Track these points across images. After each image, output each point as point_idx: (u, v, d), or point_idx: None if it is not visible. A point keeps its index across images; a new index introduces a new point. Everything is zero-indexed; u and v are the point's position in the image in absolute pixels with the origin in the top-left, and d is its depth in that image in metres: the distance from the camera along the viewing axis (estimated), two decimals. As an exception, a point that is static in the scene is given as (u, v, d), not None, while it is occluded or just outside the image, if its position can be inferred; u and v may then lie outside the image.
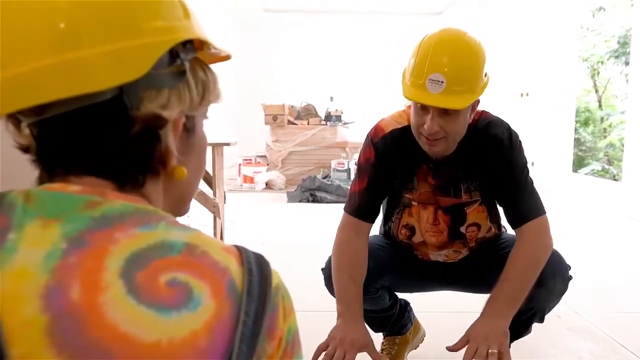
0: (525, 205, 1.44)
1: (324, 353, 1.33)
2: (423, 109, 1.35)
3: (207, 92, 0.56)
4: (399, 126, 1.49)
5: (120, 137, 0.50)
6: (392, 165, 1.50)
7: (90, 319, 0.42)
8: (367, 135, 1.54)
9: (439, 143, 1.38)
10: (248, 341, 0.46)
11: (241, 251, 0.51)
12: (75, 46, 0.46)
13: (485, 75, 1.37)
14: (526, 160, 1.48)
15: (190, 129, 0.56)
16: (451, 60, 1.30)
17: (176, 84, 0.52)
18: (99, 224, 0.47)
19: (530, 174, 1.48)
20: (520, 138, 1.48)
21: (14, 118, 0.51)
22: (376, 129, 1.53)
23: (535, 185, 1.48)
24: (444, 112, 1.33)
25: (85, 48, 0.46)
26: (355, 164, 1.58)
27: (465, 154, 1.46)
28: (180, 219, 0.54)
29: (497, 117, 1.49)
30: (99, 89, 0.47)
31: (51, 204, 0.48)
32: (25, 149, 0.53)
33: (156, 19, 0.50)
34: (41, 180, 0.52)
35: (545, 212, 1.46)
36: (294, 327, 0.52)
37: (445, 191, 1.51)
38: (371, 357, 1.37)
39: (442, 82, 1.28)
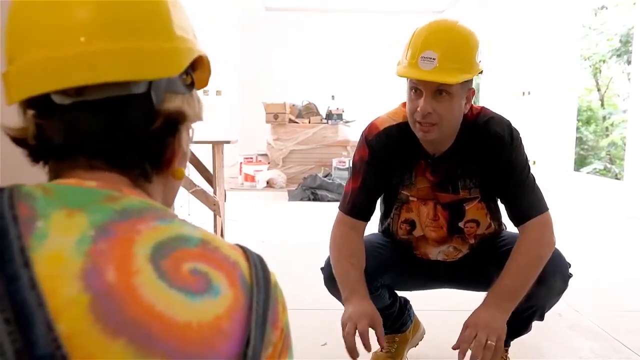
0: (527, 203, 1.44)
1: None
2: (416, 93, 1.36)
3: (200, 108, 0.62)
4: (395, 123, 1.49)
5: (143, 129, 0.54)
6: (388, 162, 1.50)
7: (128, 298, 0.45)
8: (362, 133, 1.55)
9: (432, 129, 1.37)
10: (260, 328, 0.51)
11: (245, 250, 0.56)
12: (124, 37, 0.51)
13: (480, 63, 1.37)
14: (527, 158, 1.48)
15: (191, 137, 0.62)
16: (443, 39, 1.34)
17: (186, 93, 0.58)
18: (121, 216, 0.50)
19: (532, 172, 1.48)
20: (521, 135, 1.48)
21: (33, 104, 0.53)
22: (371, 127, 1.53)
23: (537, 182, 1.48)
24: (438, 93, 1.34)
25: (132, 40, 0.52)
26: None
27: (464, 150, 1.45)
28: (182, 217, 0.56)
29: (497, 113, 1.48)
30: (142, 78, 0.52)
31: (72, 196, 0.51)
32: (20, 142, 0.55)
33: (185, 30, 0.57)
34: (51, 173, 0.55)
35: (548, 209, 1.45)
36: (288, 321, 0.57)
37: (444, 187, 1.51)
38: (376, 333, 1.33)
39: (433, 58, 1.30)
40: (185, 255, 0.49)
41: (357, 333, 1.31)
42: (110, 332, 0.44)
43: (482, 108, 1.49)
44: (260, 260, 0.56)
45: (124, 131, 0.53)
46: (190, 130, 0.62)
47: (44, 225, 0.47)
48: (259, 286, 0.52)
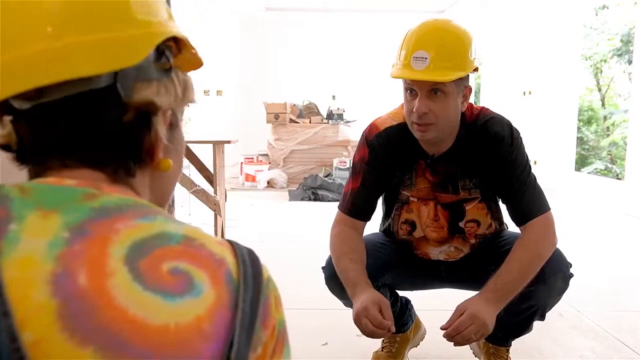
0: (529, 203, 1.44)
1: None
2: (411, 93, 1.36)
3: (187, 90, 0.59)
4: (395, 123, 1.49)
5: (114, 124, 0.51)
6: (388, 162, 1.50)
7: (99, 302, 0.43)
8: (362, 133, 1.55)
9: (429, 129, 1.37)
10: (247, 328, 0.48)
11: (233, 244, 0.53)
12: (76, 31, 0.48)
13: (474, 59, 1.37)
14: (528, 157, 1.47)
15: (174, 124, 0.59)
16: (435, 38, 1.35)
17: (162, 79, 0.55)
18: (99, 214, 0.48)
19: (533, 171, 1.48)
20: (522, 135, 1.47)
21: (3, 109, 0.52)
22: (371, 127, 1.53)
23: (538, 181, 1.48)
24: (432, 93, 1.34)
25: (85, 34, 0.49)
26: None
27: (464, 151, 1.45)
28: (181, 218, 0.54)
29: (497, 113, 1.48)
30: (98, 72, 0.49)
31: (49, 196, 0.49)
32: (5, 147, 0.53)
33: (149, 14, 0.53)
34: (31, 176, 0.53)
35: (549, 209, 1.45)
36: (283, 318, 0.54)
37: (444, 188, 1.51)
38: (384, 316, 1.33)
39: (425, 58, 1.31)
40: (166, 254, 0.47)
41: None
42: (78, 340, 0.42)
43: (482, 108, 1.48)
44: (251, 255, 0.53)
45: (91, 129, 0.51)
46: (181, 115, 0.60)
47: (17, 227, 0.46)
48: (246, 283, 0.50)
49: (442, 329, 1.35)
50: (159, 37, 0.53)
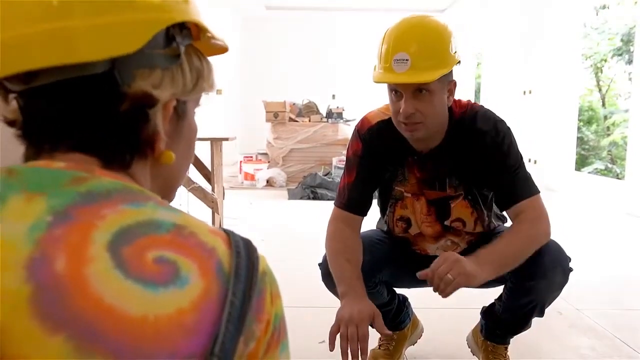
0: (516, 186, 1.41)
1: (339, 335, 1.30)
2: (397, 95, 1.36)
3: (200, 79, 0.56)
4: (386, 117, 1.49)
5: (108, 113, 0.50)
6: (381, 155, 1.50)
7: (74, 290, 0.41)
8: (354, 128, 1.55)
9: (418, 128, 1.36)
10: (235, 322, 0.46)
11: (229, 234, 0.51)
12: (68, 15, 0.46)
13: (455, 53, 1.36)
14: (517, 149, 1.44)
15: (181, 114, 0.56)
16: (414, 38, 1.33)
17: (170, 66, 0.52)
18: (85, 199, 0.46)
19: (524, 165, 1.45)
20: (514, 131, 1.45)
21: (2, 88, 0.51)
22: (363, 121, 1.53)
23: (529, 172, 1.45)
24: (418, 92, 1.33)
25: (78, 17, 0.46)
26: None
27: (452, 147, 1.44)
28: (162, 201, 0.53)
29: (485, 108, 1.46)
30: (89, 60, 0.47)
31: (35, 178, 0.47)
32: (11, 123, 0.52)
33: None
34: (27, 157, 0.52)
35: (539, 192, 1.42)
36: (280, 312, 0.52)
37: (430, 184, 1.50)
38: (376, 328, 1.32)
39: (406, 60, 1.30)
40: (153, 242, 0.45)
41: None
42: (49, 327, 0.40)
43: (469, 103, 1.47)
44: (247, 245, 0.50)
45: (84, 116, 0.49)
46: (194, 105, 0.57)
47: None
48: (238, 275, 0.47)
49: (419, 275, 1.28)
50: (160, 23, 0.50)
